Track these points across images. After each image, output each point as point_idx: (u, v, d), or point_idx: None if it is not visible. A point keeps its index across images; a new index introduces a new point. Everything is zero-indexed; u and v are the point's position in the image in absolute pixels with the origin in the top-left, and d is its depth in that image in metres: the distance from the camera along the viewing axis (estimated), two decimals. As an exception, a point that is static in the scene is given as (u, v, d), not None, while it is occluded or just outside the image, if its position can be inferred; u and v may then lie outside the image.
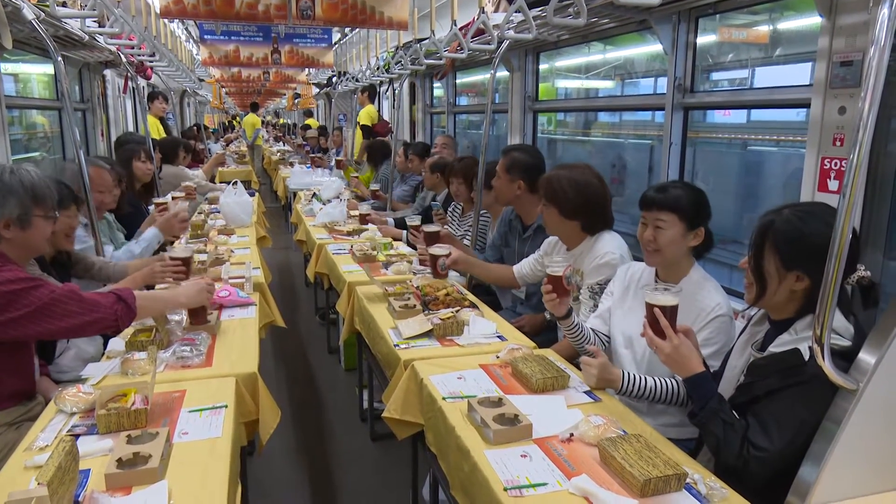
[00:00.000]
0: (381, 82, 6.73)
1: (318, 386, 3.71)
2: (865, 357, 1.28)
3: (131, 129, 6.30)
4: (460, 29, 3.29)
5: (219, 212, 4.36)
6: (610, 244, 2.31)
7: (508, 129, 4.75)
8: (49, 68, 4.64)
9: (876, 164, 2.08)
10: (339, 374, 3.84)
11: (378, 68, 5.48)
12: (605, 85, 4.48)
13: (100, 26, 3.64)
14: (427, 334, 2.14)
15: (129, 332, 1.99)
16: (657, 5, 2.51)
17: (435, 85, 6.89)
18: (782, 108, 2.77)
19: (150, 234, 3.15)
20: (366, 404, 3.13)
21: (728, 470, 1.41)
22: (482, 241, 3.37)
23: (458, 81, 6.38)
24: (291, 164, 8.74)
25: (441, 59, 3.97)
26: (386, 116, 7.40)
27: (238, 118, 19.82)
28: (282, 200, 8.09)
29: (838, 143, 2.00)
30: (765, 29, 2.93)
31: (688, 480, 1.29)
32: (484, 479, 1.34)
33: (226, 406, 1.62)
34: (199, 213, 4.53)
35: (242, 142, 13.68)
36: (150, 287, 2.43)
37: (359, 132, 7.21)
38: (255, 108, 15.35)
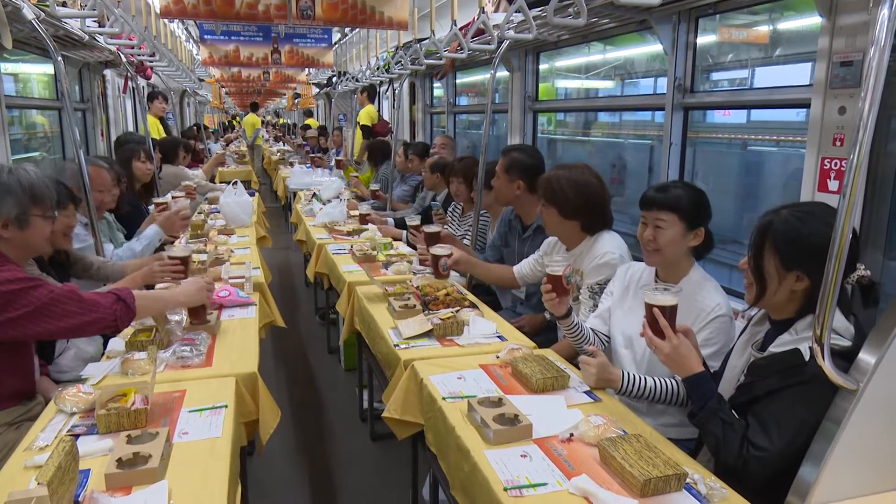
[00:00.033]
0: (381, 82, 6.73)
1: (318, 386, 3.71)
2: (865, 357, 1.28)
3: (131, 129, 6.30)
4: (460, 29, 3.29)
5: (219, 212, 4.36)
6: (609, 244, 2.31)
7: (508, 129, 4.75)
8: (49, 68, 4.64)
9: (876, 164, 2.08)
10: (339, 374, 3.84)
11: (378, 68, 5.48)
12: (605, 85, 4.48)
13: (100, 26, 3.64)
14: (427, 334, 2.14)
15: (129, 332, 1.99)
16: (657, 5, 2.51)
17: (435, 85, 6.89)
18: (782, 109, 2.77)
19: (151, 231, 3.15)
20: (366, 404, 3.13)
21: (728, 470, 1.41)
22: (482, 241, 3.37)
23: (458, 81, 6.38)
24: (291, 164, 8.74)
25: (441, 59, 3.97)
26: (386, 116, 7.40)
27: (238, 118, 19.82)
28: (282, 200, 8.09)
29: (838, 144, 2.00)
30: (765, 29, 2.93)
31: (688, 480, 1.29)
32: (484, 479, 1.34)
33: (226, 406, 1.62)
34: (199, 213, 4.53)
35: (242, 142, 13.68)
36: (150, 287, 2.43)
37: (359, 132, 7.21)
38: (255, 108, 15.35)
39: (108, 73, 5.36)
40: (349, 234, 3.85)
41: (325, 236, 3.87)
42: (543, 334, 2.61)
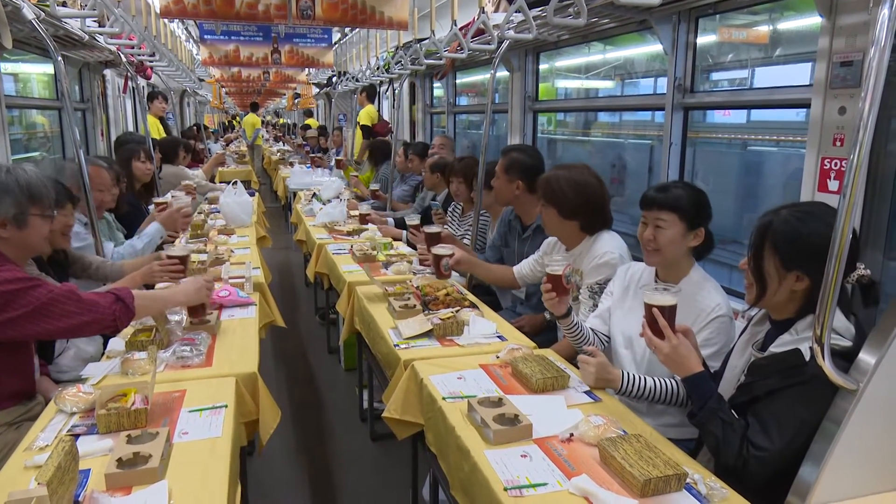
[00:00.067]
0: (381, 82, 6.73)
1: (318, 386, 3.71)
2: (865, 357, 1.28)
3: (131, 128, 6.30)
4: (460, 29, 3.29)
5: (219, 212, 4.36)
6: (609, 244, 2.31)
7: (508, 129, 4.75)
8: (49, 68, 4.64)
9: (876, 164, 2.08)
10: (339, 374, 3.84)
11: (378, 68, 5.48)
12: (605, 85, 4.48)
13: (100, 26, 3.64)
14: (427, 334, 2.14)
15: (128, 331, 1.99)
16: (657, 5, 2.51)
17: (435, 85, 6.89)
18: (782, 109, 2.77)
19: (152, 229, 3.15)
20: (366, 404, 3.13)
21: (728, 470, 1.41)
22: (482, 241, 3.37)
23: (458, 81, 6.38)
24: (291, 164, 8.74)
25: (441, 59, 3.97)
26: (386, 116, 7.40)
27: (238, 118, 19.83)
28: (282, 200, 8.09)
29: (838, 144, 2.00)
30: (765, 29, 2.93)
31: (688, 480, 1.29)
32: (484, 479, 1.34)
33: (226, 406, 1.62)
34: (199, 213, 4.53)
35: (242, 142, 13.68)
36: (150, 286, 2.43)
37: (359, 132, 7.21)
38: (255, 108, 15.35)
39: (108, 73, 5.36)
40: (349, 234, 3.85)
41: (325, 236, 3.87)
42: (543, 334, 2.61)
